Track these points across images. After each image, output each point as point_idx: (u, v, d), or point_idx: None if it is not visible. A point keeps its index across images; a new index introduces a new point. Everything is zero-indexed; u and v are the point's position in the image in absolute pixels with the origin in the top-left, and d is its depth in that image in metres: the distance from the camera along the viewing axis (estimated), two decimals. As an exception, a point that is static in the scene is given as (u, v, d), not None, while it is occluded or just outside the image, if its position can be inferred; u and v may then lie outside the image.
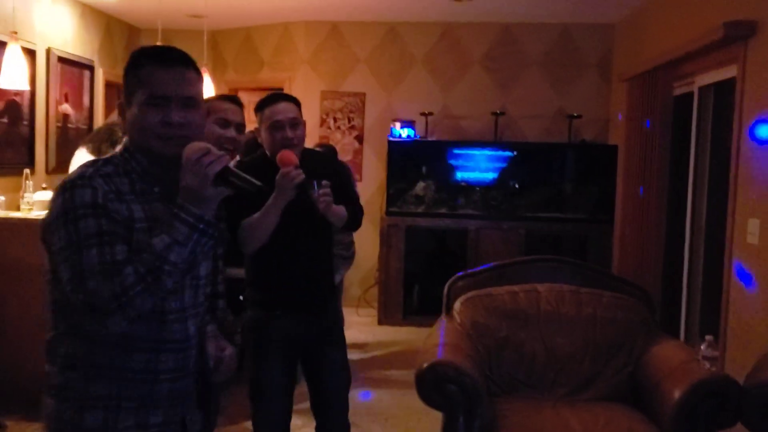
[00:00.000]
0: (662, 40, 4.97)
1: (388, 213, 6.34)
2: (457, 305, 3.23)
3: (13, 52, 4.23)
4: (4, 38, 4.58)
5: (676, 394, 2.56)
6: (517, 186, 6.37)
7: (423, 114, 6.39)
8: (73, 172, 1.51)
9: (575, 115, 6.27)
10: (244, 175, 1.49)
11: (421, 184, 6.37)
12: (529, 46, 6.57)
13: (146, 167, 1.54)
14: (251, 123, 2.79)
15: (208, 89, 5.48)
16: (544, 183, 6.45)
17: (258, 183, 1.51)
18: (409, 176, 6.41)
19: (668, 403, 2.59)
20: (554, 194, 6.37)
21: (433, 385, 2.62)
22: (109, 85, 6.81)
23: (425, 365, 2.66)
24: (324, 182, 2.50)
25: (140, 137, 1.53)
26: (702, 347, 2.62)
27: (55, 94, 5.81)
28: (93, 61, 6.50)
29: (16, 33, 4.40)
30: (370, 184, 6.75)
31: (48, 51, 5.68)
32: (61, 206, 1.44)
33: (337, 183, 2.68)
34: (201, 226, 1.44)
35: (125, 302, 1.38)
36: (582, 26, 6.48)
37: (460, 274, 3.46)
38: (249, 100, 7.63)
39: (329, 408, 2.75)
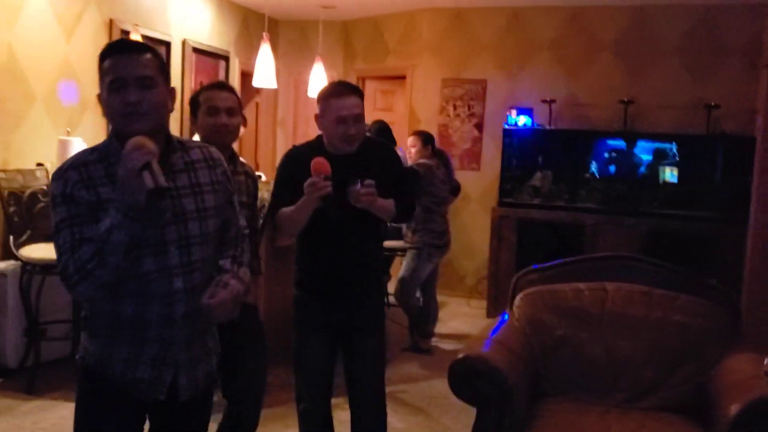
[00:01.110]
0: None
1: (500, 204, 6.19)
2: (517, 300, 3.10)
3: (134, 43, 4.59)
4: (128, 29, 5.00)
5: (733, 410, 2.29)
6: (643, 179, 5.96)
7: (545, 101, 6.16)
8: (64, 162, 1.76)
9: (713, 104, 5.74)
10: (159, 176, 1.60)
11: (538, 175, 6.15)
12: (664, 31, 6.10)
13: (120, 150, 1.67)
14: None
15: (321, 77, 5.64)
16: (674, 177, 5.98)
17: (164, 186, 1.61)
18: (526, 166, 6.21)
19: (724, 420, 2.32)
20: (684, 190, 5.88)
21: (463, 378, 2.54)
22: (244, 75, 7.19)
23: (458, 357, 2.59)
24: (367, 181, 2.48)
25: (111, 120, 1.74)
26: (766, 361, 2.32)
27: (189, 83, 6.25)
28: (229, 52, 6.91)
29: (137, 25, 4.79)
30: (488, 174, 6.60)
31: (183, 42, 6.12)
32: (50, 195, 1.75)
33: (389, 177, 2.67)
34: (131, 213, 1.60)
35: (85, 275, 1.64)
36: (728, 7, 5.90)
37: (534, 267, 3.31)
38: (376, 88, 7.77)
39: (359, 391, 2.77)
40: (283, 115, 8.03)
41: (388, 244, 5.18)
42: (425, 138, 4.92)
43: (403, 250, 4.95)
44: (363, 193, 2.47)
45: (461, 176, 6.58)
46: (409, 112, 7.05)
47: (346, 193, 2.49)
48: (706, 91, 5.95)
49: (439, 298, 6.00)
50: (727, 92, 5.86)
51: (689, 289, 2.99)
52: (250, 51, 7.42)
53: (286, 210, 2.57)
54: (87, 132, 4.97)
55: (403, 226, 4.91)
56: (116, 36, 5.11)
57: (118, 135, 1.72)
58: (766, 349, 2.92)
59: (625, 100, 5.95)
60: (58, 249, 1.68)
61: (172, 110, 1.81)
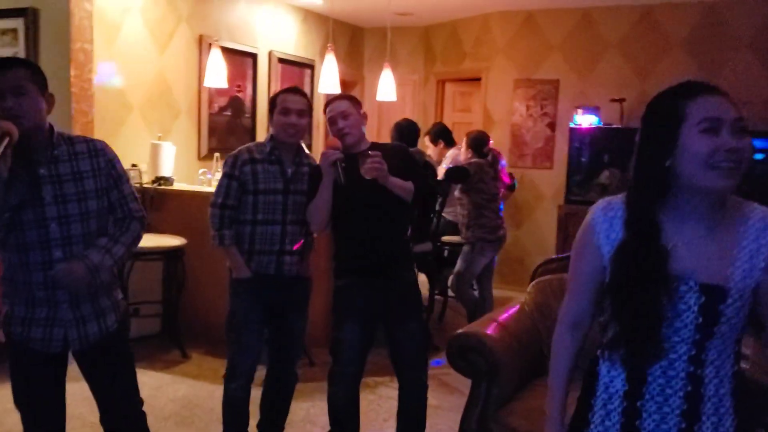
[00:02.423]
0: None
1: (567, 201, 6.31)
2: (529, 287, 3.33)
3: (214, 56, 5.15)
4: (207, 43, 5.57)
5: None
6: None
7: (613, 100, 6.23)
8: None
9: (787, 99, 5.63)
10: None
11: (605, 173, 6.23)
12: (737, 25, 6.01)
13: None
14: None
15: (389, 83, 5.99)
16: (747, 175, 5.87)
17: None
18: (594, 164, 6.30)
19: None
20: (755, 185, 5.76)
21: (459, 351, 2.83)
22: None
23: (455, 333, 2.88)
24: (372, 152, 2.84)
25: None
26: None
27: (276, 91, 6.79)
28: (314, 61, 7.41)
29: (217, 40, 5.35)
30: (561, 172, 6.70)
31: (270, 54, 6.68)
32: None
33: (400, 169, 2.97)
34: None
35: None
36: (808, -2, 5.76)
37: (552, 258, 3.52)
38: (454, 90, 8.05)
39: (403, 367, 3.11)
40: (369, 117, 8.47)
41: (446, 239, 5.48)
42: (470, 140, 5.12)
43: (461, 245, 5.22)
44: (370, 162, 2.80)
45: (534, 175, 6.79)
46: (483, 112, 7.29)
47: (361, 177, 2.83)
48: (782, 86, 5.82)
49: (511, 293, 6.21)
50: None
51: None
52: (336, 59, 7.91)
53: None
54: (178, 137, 5.60)
55: (459, 222, 5.19)
56: (206, 49, 5.70)
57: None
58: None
59: (695, 97, 5.91)
60: None
61: (49, 112, 2.22)
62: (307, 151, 3.24)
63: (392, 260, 3.05)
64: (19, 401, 2.31)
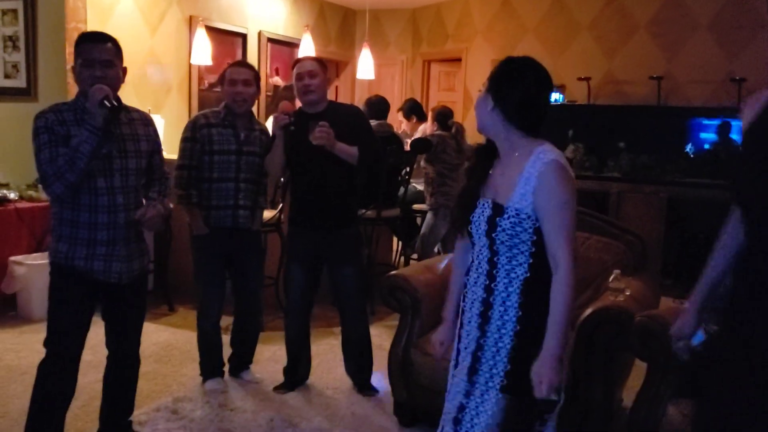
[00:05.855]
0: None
1: (533, 173, 6.69)
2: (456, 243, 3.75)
3: (200, 35, 5.58)
4: (197, 23, 5.99)
5: (580, 319, 2.86)
6: (668, 150, 6.27)
7: (580, 79, 6.59)
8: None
9: (738, 78, 5.96)
10: (113, 102, 2.42)
11: (570, 147, 6.60)
12: (697, 8, 6.34)
13: (84, 106, 2.52)
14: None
15: (368, 61, 6.39)
16: (698, 147, 6.24)
17: (116, 105, 2.41)
18: (558, 139, 6.66)
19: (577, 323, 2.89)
20: (709, 159, 6.13)
21: (389, 290, 3.26)
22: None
23: (386, 275, 3.32)
24: (321, 123, 3.25)
25: (80, 86, 2.54)
26: (609, 279, 2.86)
27: (265, 69, 7.23)
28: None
29: (203, 20, 5.77)
30: (533, 148, 7.08)
31: (259, 33, 7.09)
32: (34, 128, 2.52)
33: (352, 131, 3.40)
34: (94, 131, 2.42)
35: (59, 176, 2.44)
36: (764, -18, 6.06)
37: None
38: (439, 70, 8.44)
39: (342, 302, 3.62)
40: (360, 96, 8.87)
41: (417, 207, 5.90)
42: (435, 115, 5.55)
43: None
44: (318, 131, 3.21)
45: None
46: (463, 91, 7.67)
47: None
48: (737, 66, 6.15)
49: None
50: (759, 66, 6.03)
51: (605, 233, 3.52)
52: (327, 39, 8.32)
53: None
54: (171, 111, 6.05)
55: (424, 190, 5.60)
56: (195, 29, 6.12)
57: (83, 95, 2.51)
58: (650, 277, 3.42)
59: (655, 76, 6.27)
60: (40, 162, 2.44)
61: (123, 82, 2.63)
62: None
63: (333, 216, 3.47)
64: (56, 322, 2.60)
